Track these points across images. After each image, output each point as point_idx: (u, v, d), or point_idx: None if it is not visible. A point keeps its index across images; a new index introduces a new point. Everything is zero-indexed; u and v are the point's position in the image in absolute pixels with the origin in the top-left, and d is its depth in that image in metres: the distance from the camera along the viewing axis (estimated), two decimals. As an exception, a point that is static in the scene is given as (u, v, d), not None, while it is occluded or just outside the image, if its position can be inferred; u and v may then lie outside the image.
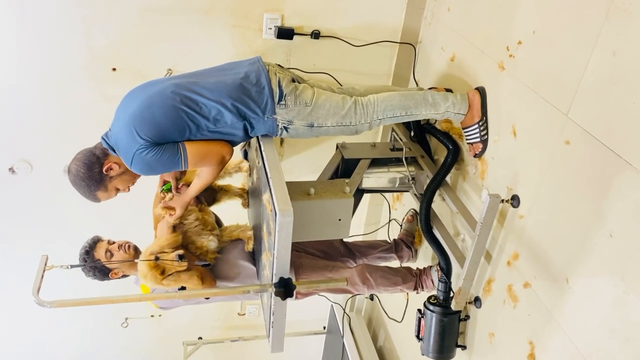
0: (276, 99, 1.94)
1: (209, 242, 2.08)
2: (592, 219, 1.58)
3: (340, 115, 2.03)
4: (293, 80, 2.04)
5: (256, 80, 1.93)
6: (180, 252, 1.93)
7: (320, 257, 2.57)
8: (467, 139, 2.21)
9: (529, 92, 1.84)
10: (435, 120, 2.48)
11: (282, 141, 2.91)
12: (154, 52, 2.51)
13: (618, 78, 1.47)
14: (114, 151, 1.93)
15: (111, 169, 1.94)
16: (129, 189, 2.04)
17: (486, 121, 2.12)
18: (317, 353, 3.89)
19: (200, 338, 3.72)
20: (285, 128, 2.00)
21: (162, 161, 1.85)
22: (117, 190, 2.01)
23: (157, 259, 1.89)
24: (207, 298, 2.23)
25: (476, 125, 2.14)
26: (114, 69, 2.52)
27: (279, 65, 2.11)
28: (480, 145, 2.15)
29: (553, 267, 1.76)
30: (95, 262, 2.09)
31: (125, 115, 1.88)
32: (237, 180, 2.48)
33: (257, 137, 2.05)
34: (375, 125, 2.12)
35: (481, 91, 2.14)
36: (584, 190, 1.61)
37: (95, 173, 1.93)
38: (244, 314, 3.79)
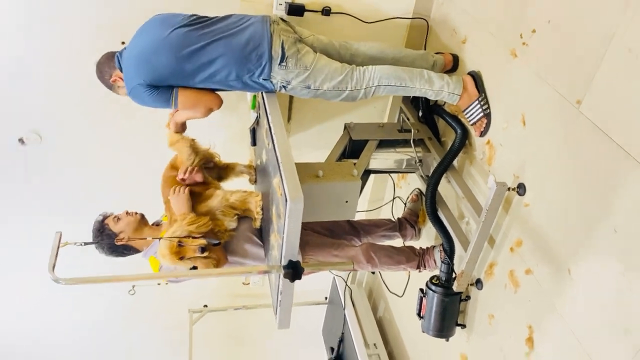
0: (277, 61, 2.08)
1: (229, 223, 2.15)
2: (597, 213, 1.61)
3: (337, 81, 2.15)
4: (297, 41, 2.15)
5: (258, 44, 2.08)
6: (203, 243, 1.98)
7: (325, 235, 2.62)
8: (470, 120, 2.25)
9: (541, 82, 1.84)
10: (445, 102, 2.49)
11: (289, 118, 2.91)
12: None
13: (632, 75, 1.47)
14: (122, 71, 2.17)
15: (115, 81, 2.21)
16: None
17: (485, 97, 2.19)
18: (318, 322, 3.99)
19: (205, 306, 3.82)
20: (284, 87, 2.14)
21: (154, 99, 2.11)
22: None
23: (180, 244, 1.94)
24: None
25: (476, 102, 2.21)
26: (123, 43, 2.50)
27: (284, 21, 2.20)
28: (485, 120, 2.20)
29: (556, 257, 1.80)
30: (105, 231, 2.17)
31: (136, 49, 2.11)
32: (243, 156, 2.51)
33: (267, 118, 2.06)
34: (371, 93, 2.21)
35: (473, 75, 2.22)
36: (590, 184, 1.64)
37: (106, 80, 2.23)
38: (249, 283, 3.88)
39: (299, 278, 1.75)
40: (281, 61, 2.07)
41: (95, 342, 3.94)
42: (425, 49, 2.70)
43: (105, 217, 2.25)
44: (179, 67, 2.06)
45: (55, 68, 2.53)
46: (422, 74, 2.20)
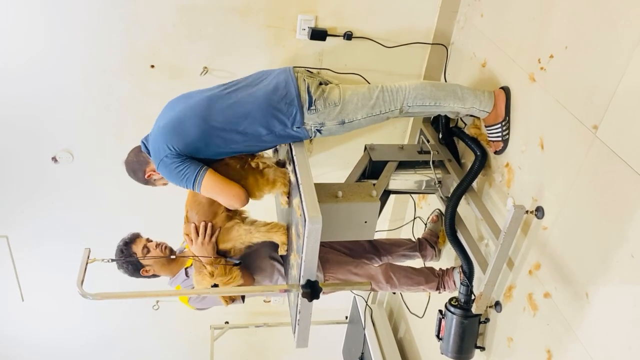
0: (306, 107, 2.02)
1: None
2: (614, 238, 1.61)
3: (369, 107, 2.09)
4: (320, 84, 2.11)
5: (286, 93, 2.01)
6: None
7: (345, 254, 2.65)
8: (489, 137, 2.27)
9: (558, 106, 1.86)
10: (465, 125, 2.52)
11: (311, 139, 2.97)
12: (191, 50, 2.59)
13: (648, 102, 1.49)
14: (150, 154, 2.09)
15: (150, 176, 2.17)
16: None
17: (509, 121, 2.18)
18: (338, 341, 4.00)
19: (226, 322, 3.87)
20: (319, 130, 2.08)
21: (180, 173, 1.98)
22: (164, 183, 2.20)
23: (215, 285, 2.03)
24: (243, 302, 2.34)
25: (499, 125, 2.20)
26: (152, 66, 2.61)
27: (307, 69, 2.18)
28: (501, 144, 2.22)
29: (574, 281, 1.79)
30: (132, 256, 2.21)
31: (161, 124, 2.06)
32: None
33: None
34: (405, 112, 2.16)
35: (506, 91, 2.19)
36: (608, 209, 1.64)
37: (140, 177, 2.19)
38: (269, 301, 3.91)
39: (317, 298, 1.79)
40: (310, 106, 2.01)
41: (117, 356, 4.02)
42: (445, 72, 2.74)
43: (132, 241, 2.25)
44: (208, 129, 1.96)
45: (87, 90, 2.65)
46: (455, 91, 2.18)
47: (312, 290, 1.77)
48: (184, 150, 1.97)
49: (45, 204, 3.02)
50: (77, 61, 2.56)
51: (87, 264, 1.77)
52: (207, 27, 2.54)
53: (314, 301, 1.92)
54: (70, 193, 2.99)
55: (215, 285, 2.02)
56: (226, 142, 1.99)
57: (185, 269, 2.33)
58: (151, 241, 2.25)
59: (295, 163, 1.97)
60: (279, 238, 2.11)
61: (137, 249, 2.22)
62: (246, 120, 1.98)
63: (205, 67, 2.63)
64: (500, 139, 2.21)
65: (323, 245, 2.58)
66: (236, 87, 2.08)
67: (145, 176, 2.15)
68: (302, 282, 1.81)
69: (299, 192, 1.83)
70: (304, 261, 1.79)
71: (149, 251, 2.21)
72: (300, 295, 1.85)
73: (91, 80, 2.62)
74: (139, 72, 2.62)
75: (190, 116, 1.99)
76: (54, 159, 2.84)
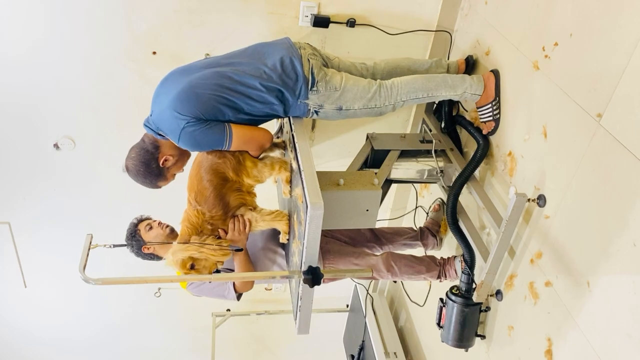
0: (309, 86, 2.07)
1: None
2: (617, 227, 1.60)
3: (366, 99, 2.16)
4: (324, 65, 2.17)
5: (291, 67, 2.05)
6: (222, 259, 2.02)
7: (347, 243, 2.65)
8: (480, 118, 2.33)
9: (562, 94, 1.85)
10: (467, 111, 2.51)
11: (313, 126, 2.96)
12: (192, 37, 2.58)
13: (653, 89, 1.48)
14: (159, 135, 2.04)
15: (166, 161, 2.07)
16: (183, 169, 2.18)
17: (499, 101, 2.26)
18: (339, 330, 4.02)
19: (228, 310, 3.89)
20: (316, 111, 2.13)
21: (209, 137, 1.95)
22: (174, 175, 2.16)
23: (192, 267, 1.98)
24: (238, 299, 2.33)
25: (489, 105, 2.27)
26: (154, 52, 2.60)
27: (309, 45, 2.21)
28: (493, 124, 2.29)
29: (575, 269, 1.79)
30: (137, 234, 2.22)
31: (167, 98, 1.97)
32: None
33: (290, 127, 2.11)
34: (399, 107, 2.26)
35: (495, 73, 2.26)
36: (610, 197, 1.63)
37: (153, 169, 2.06)
38: (271, 289, 3.93)
39: (319, 284, 1.79)
40: (312, 86, 2.06)
41: (120, 343, 4.05)
42: (448, 60, 2.72)
43: (139, 221, 2.26)
44: (220, 97, 1.95)
45: (89, 77, 2.64)
46: (445, 81, 2.26)
47: (313, 277, 1.77)
48: (202, 114, 1.93)
49: (47, 191, 3.03)
50: (78, 48, 2.55)
51: (89, 249, 1.77)
52: (208, 13, 2.53)
53: (315, 289, 1.93)
54: (72, 179, 2.99)
55: (218, 271, 2.02)
56: (239, 110, 1.99)
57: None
58: (155, 220, 2.25)
59: (297, 150, 1.96)
60: (281, 226, 2.12)
61: (142, 226, 2.23)
62: (255, 86, 1.98)
63: (207, 54, 2.62)
64: (491, 118, 2.27)
65: (324, 234, 2.60)
66: (239, 59, 2.07)
67: (161, 163, 2.05)
68: (304, 268, 1.81)
69: (301, 179, 1.83)
70: (306, 247, 1.79)
71: (151, 228, 2.21)
72: (301, 282, 1.85)
73: (92, 67, 2.61)
74: (141, 59, 2.62)
75: (202, 85, 1.95)
76: (56, 146, 2.84)
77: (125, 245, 2.17)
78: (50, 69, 2.59)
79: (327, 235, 2.61)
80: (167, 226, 2.25)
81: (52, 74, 2.61)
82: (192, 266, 1.98)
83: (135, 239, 2.24)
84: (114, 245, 1.89)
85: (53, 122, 2.77)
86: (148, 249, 2.26)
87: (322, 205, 1.71)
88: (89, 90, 2.68)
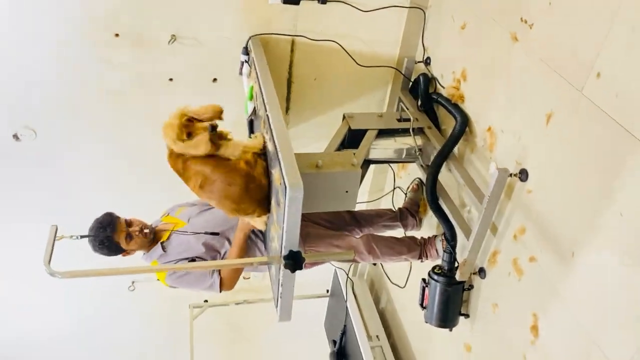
0: None
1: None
2: (602, 197, 1.58)
3: None
4: None
5: None
6: (215, 123, 1.86)
7: (326, 227, 2.59)
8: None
9: (543, 65, 1.81)
10: (443, 87, 2.47)
11: (287, 109, 2.88)
12: (156, 17, 2.45)
13: (636, 54, 1.44)
14: None
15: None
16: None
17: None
18: (320, 315, 3.97)
19: (205, 301, 3.80)
20: None
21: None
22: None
23: (189, 135, 1.83)
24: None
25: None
26: (117, 35, 2.46)
27: None
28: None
29: (559, 243, 1.77)
30: (115, 245, 2.12)
31: None
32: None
33: (265, 108, 2.03)
34: None
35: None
36: (595, 168, 1.61)
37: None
38: (249, 278, 3.84)
39: (300, 268, 1.73)
40: None
41: (96, 338, 3.92)
42: (423, 37, 2.66)
43: (112, 229, 2.12)
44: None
45: (47, 63, 2.49)
46: None
47: (294, 262, 1.71)
48: None
49: (8, 183, 2.87)
50: (32, 33, 2.39)
51: (54, 241, 1.66)
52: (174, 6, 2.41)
53: (296, 274, 1.87)
54: (34, 171, 2.84)
55: (193, 260, 1.94)
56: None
57: (161, 243, 2.24)
58: (130, 224, 2.13)
59: (274, 132, 1.88)
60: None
61: (120, 237, 2.11)
62: None
63: (173, 35, 2.50)
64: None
65: (303, 219, 2.52)
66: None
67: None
68: (284, 252, 1.74)
69: (279, 160, 1.75)
70: (285, 231, 1.72)
71: (131, 238, 2.10)
72: (282, 268, 1.78)
73: (49, 52, 2.46)
74: (102, 42, 2.47)
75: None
76: (15, 137, 2.68)
77: (93, 236, 2.06)
78: (3, 56, 2.43)
79: (306, 219, 2.54)
80: (148, 231, 2.15)
81: (5, 62, 2.45)
82: (188, 134, 1.82)
83: (111, 247, 2.13)
84: (81, 237, 1.79)
85: (11, 112, 2.61)
86: (128, 253, 2.17)
87: (302, 187, 1.64)
88: (48, 77, 2.53)
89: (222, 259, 2.27)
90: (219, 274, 2.21)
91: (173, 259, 2.20)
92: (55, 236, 1.69)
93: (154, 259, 2.22)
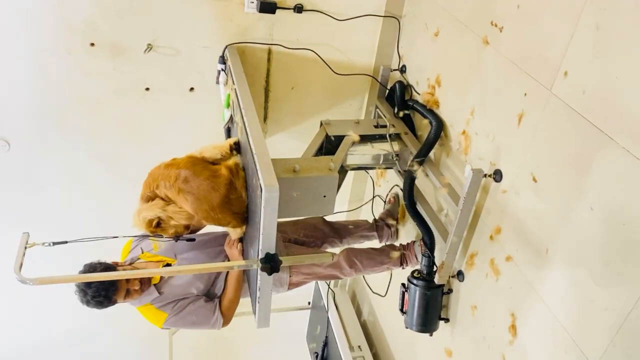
0: None
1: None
2: (573, 193, 1.60)
3: None
4: None
5: None
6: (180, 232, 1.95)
7: (306, 242, 2.57)
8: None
9: (513, 66, 1.85)
10: (418, 93, 2.50)
11: (265, 117, 2.89)
12: (133, 26, 2.45)
13: (601, 52, 1.48)
14: None
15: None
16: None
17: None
18: (302, 328, 3.94)
19: (185, 315, 3.72)
20: None
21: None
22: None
23: (158, 225, 1.90)
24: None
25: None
26: (92, 44, 2.46)
27: None
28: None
29: (534, 240, 1.79)
30: (110, 300, 2.07)
31: None
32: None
33: (242, 114, 2.03)
34: None
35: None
36: (566, 164, 1.64)
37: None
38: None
39: (277, 271, 1.72)
40: None
41: (72, 354, 3.82)
42: (398, 46, 2.70)
43: (114, 290, 2.03)
44: None
45: (22, 73, 2.47)
46: None
47: (271, 264, 1.69)
48: None
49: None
50: (6, 41, 2.37)
51: (25, 248, 1.63)
52: (149, 0, 2.41)
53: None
54: (6, 184, 2.78)
55: (169, 265, 1.91)
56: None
57: (155, 285, 2.14)
58: (132, 278, 2.05)
59: (250, 137, 1.88)
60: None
61: (119, 296, 2.05)
62: None
63: (150, 44, 2.50)
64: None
65: (284, 239, 2.50)
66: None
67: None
68: (261, 255, 1.73)
69: (254, 162, 1.75)
70: (262, 234, 1.71)
71: (129, 294, 2.06)
72: (259, 271, 1.76)
73: (24, 61, 2.44)
74: (78, 51, 2.46)
75: None
76: (-12, 148, 2.64)
77: (65, 242, 2.01)
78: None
79: (285, 240, 2.51)
80: (147, 284, 2.10)
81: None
82: (157, 224, 1.87)
83: (104, 305, 2.07)
84: (54, 243, 1.75)
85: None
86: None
87: (277, 187, 1.64)
88: (23, 87, 2.51)
89: (219, 290, 2.25)
90: (221, 309, 2.18)
91: (171, 300, 2.13)
92: (26, 243, 1.66)
93: (147, 302, 2.14)
